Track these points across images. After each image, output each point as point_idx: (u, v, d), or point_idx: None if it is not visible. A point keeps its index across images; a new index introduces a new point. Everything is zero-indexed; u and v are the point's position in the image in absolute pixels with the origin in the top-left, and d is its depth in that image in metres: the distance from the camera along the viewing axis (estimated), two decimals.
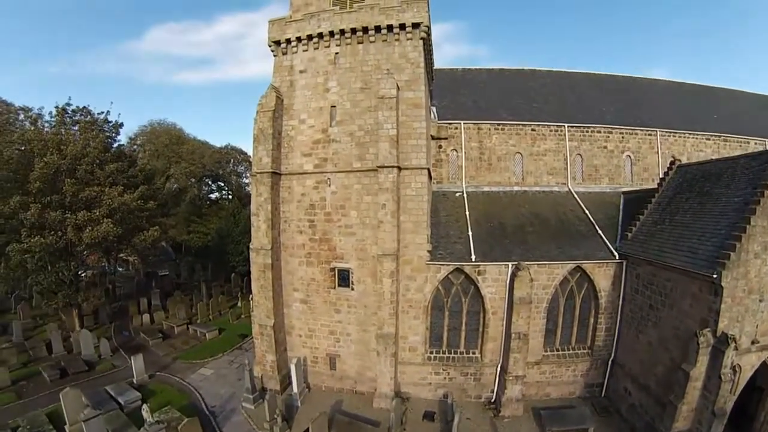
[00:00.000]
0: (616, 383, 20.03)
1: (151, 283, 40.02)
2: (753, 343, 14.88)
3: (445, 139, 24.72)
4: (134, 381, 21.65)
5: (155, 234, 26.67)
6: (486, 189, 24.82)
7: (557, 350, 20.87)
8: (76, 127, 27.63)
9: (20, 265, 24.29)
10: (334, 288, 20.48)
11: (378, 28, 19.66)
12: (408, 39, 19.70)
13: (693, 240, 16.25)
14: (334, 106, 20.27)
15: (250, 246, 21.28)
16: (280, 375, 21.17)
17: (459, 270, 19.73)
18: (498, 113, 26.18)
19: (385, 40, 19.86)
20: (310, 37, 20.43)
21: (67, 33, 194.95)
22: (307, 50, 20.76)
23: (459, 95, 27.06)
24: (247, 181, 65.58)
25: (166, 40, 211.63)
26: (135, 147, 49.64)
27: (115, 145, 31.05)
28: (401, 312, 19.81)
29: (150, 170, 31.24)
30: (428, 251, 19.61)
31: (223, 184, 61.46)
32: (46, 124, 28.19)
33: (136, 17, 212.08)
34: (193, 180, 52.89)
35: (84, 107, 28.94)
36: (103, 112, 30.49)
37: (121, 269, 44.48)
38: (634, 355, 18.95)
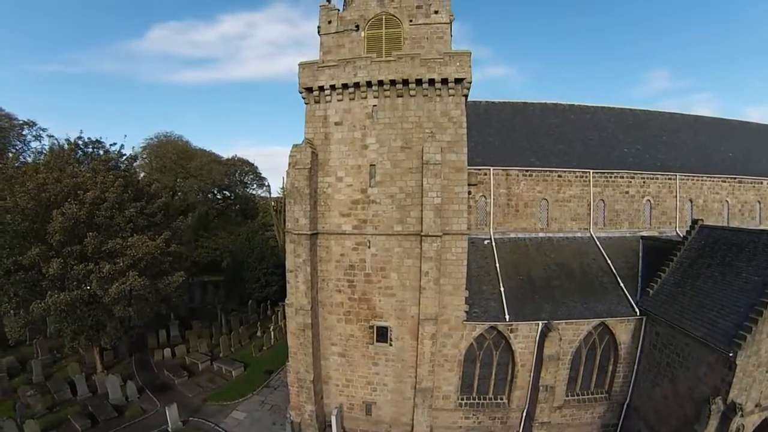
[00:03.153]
0: (630, 425, 22.78)
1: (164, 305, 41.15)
2: (756, 406, 17.60)
3: (475, 185, 26.18)
4: (169, 429, 23.18)
5: (179, 279, 27.51)
6: (513, 236, 26.74)
7: (577, 395, 23.50)
8: (90, 164, 27.91)
9: (42, 317, 24.96)
10: (372, 344, 22.21)
11: (419, 81, 20.29)
12: (450, 95, 20.59)
13: (713, 312, 18.62)
14: (374, 165, 21.18)
15: (286, 302, 22.85)
16: (317, 422, 23.07)
17: (492, 327, 21.86)
18: (525, 156, 27.92)
19: (426, 95, 20.66)
20: (345, 86, 20.91)
21: (66, 30, 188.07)
22: (342, 100, 21.32)
23: (485, 134, 28.52)
24: (252, 192, 67.60)
25: (168, 38, 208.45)
26: (140, 160, 49.81)
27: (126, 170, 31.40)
28: (437, 365, 21.81)
29: (166, 202, 31.53)
30: (465, 311, 21.55)
31: (228, 194, 63.08)
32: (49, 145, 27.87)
33: (138, 15, 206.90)
34: (200, 194, 53.65)
35: (97, 140, 29.22)
36: (115, 144, 30.97)
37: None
38: (649, 402, 21.61)
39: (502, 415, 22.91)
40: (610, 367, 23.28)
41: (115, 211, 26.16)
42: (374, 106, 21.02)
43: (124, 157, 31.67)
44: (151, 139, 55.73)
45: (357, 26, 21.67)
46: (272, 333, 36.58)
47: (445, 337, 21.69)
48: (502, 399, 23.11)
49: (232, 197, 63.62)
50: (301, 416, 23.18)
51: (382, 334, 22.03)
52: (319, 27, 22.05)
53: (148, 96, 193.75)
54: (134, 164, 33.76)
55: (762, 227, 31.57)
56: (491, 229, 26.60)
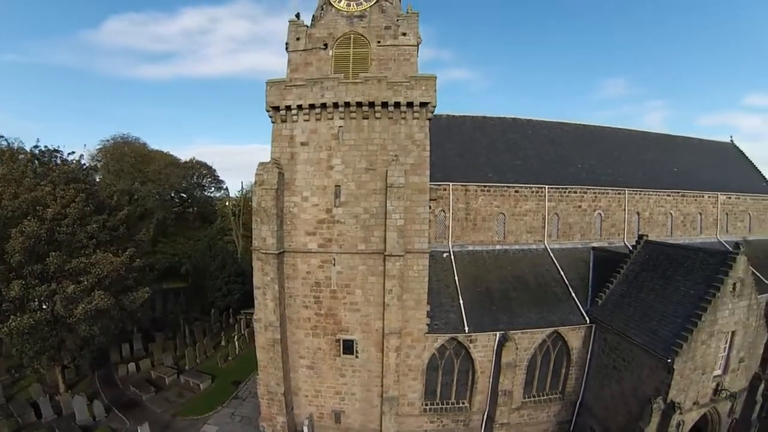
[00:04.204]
0: (582, 421, 25.11)
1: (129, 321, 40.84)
2: (695, 404, 20.15)
3: (435, 200, 27.45)
4: None
5: (145, 295, 27.62)
6: (471, 248, 28.44)
7: (534, 396, 25.57)
8: (48, 177, 27.51)
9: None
10: (339, 356, 23.43)
11: (385, 104, 21.21)
12: (415, 118, 21.66)
13: (654, 321, 21.06)
14: (339, 186, 22.11)
15: (255, 317, 23.74)
16: None
17: (453, 338, 23.51)
18: (484, 171, 29.67)
19: (392, 118, 21.64)
20: (312, 106, 21.60)
21: (18, 19, 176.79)
22: (308, 120, 22.04)
23: (445, 149, 29.89)
24: (210, 195, 67.57)
25: (126, 31, 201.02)
26: (95, 163, 48.96)
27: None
28: (401, 375, 23.27)
29: (128, 213, 31.38)
30: (427, 324, 23.05)
31: (186, 197, 62.67)
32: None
33: (94, 5, 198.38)
34: (158, 198, 53.22)
35: (55, 149, 28.79)
36: (74, 152, 30.62)
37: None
38: (599, 401, 23.96)
39: (464, 418, 24.65)
40: (563, 371, 25.43)
41: (77, 227, 25.90)
42: (340, 127, 21.89)
43: (84, 167, 31.32)
44: (108, 140, 54.71)
45: (325, 44, 22.45)
46: (236, 343, 37.32)
47: (408, 348, 23.13)
48: (464, 403, 24.85)
49: (190, 201, 63.47)
50: (273, 427, 24.23)
51: (349, 347, 23.24)
52: (287, 44, 22.66)
53: (105, 90, 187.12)
54: (94, 175, 33.28)
55: (702, 236, 35.10)
56: (450, 242, 28.18)
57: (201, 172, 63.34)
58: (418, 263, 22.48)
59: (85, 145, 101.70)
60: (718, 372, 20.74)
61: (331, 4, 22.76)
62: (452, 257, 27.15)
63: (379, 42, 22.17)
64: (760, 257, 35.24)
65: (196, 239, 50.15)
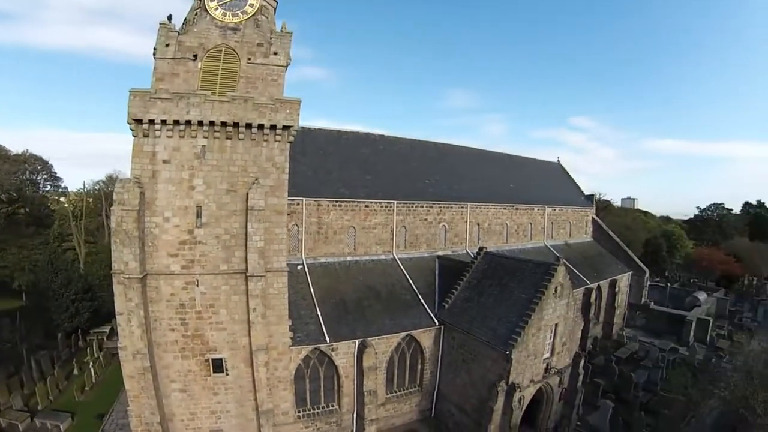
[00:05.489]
0: (441, 407, 29.30)
1: None
2: (531, 381, 25.29)
3: (289, 215, 28.29)
4: None
5: None
6: (323, 260, 31.19)
7: (396, 392, 29.15)
8: None
9: None
10: (210, 375, 24.10)
11: (249, 125, 21.84)
12: (276, 141, 22.82)
13: (494, 321, 25.86)
14: (200, 206, 22.38)
15: (119, 345, 22.92)
16: None
17: (315, 348, 25.88)
18: (336, 186, 32.53)
19: (254, 139, 22.47)
20: (176, 123, 21.24)
21: None
22: (171, 137, 21.65)
23: (300, 163, 31.34)
24: (46, 195, 60.95)
25: None
26: None
27: None
28: (273, 387, 24.83)
29: None
30: (290, 337, 25.01)
31: (16, 195, 55.39)
32: None
33: None
34: None
35: None
36: None
37: None
38: (453, 389, 28.24)
39: (336, 419, 27.25)
40: (419, 367, 29.41)
41: None
42: (203, 146, 22.09)
43: None
44: None
45: (195, 55, 22.23)
46: (92, 369, 34.73)
47: (275, 361, 24.82)
48: (333, 406, 27.45)
49: (21, 201, 56.48)
50: None
51: (219, 366, 24.06)
52: (155, 49, 21.94)
53: None
54: None
55: (533, 242, 42.83)
56: (303, 255, 30.59)
57: (35, 167, 57.16)
58: (278, 281, 24.20)
59: None
60: (547, 355, 26.36)
61: (206, 10, 22.50)
62: (306, 270, 29.60)
63: (249, 59, 22.63)
64: (577, 257, 43.87)
65: (31, 248, 44.80)
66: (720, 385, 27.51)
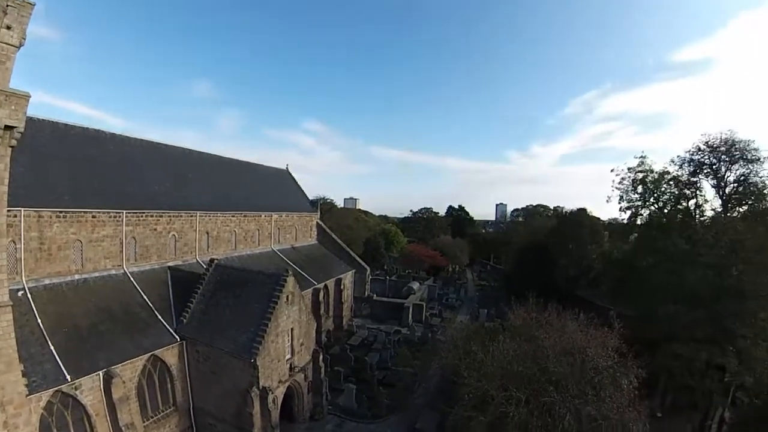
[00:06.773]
0: (202, 422, 28.71)
1: None
2: (280, 382, 28.11)
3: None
4: None
5: None
6: (48, 282, 25.68)
7: (152, 417, 26.71)
8: None
9: None
10: None
11: None
12: None
13: (234, 331, 27.23)
14: None
15: None
16: None
17: (57, 390, 21.38)
18: (60, 193, 27.15)
19: None
20: None
21: None
22: None
23: (18, 163, 23.52)
24: None
25: None
26: None
27: None
28: None
29: None
30: (25, 385, 19.80)
31: None
32: None
33: None
34: None
35: None
36: None
37: None
38: (209, 401, 28.26)
39: None
40: (169, 386, 27.83)
41: None
42: None
43: None
44: None
45: None
46: None
47: (14, 418, 19.28)
48: None
49: None
50: None
51: None
52: None
53: None
54: None
55: (260, 247, 45.77)
56: (23, 278, 24.53)
57: None
58: (1, 320, 18.88)
59: None
60: (289, 356, 29.33)
61: None
62: (29, 295, 23.96)
63: None
64: (304, 260, 49.28)
65: None
66: (435, 357, 34.14)
